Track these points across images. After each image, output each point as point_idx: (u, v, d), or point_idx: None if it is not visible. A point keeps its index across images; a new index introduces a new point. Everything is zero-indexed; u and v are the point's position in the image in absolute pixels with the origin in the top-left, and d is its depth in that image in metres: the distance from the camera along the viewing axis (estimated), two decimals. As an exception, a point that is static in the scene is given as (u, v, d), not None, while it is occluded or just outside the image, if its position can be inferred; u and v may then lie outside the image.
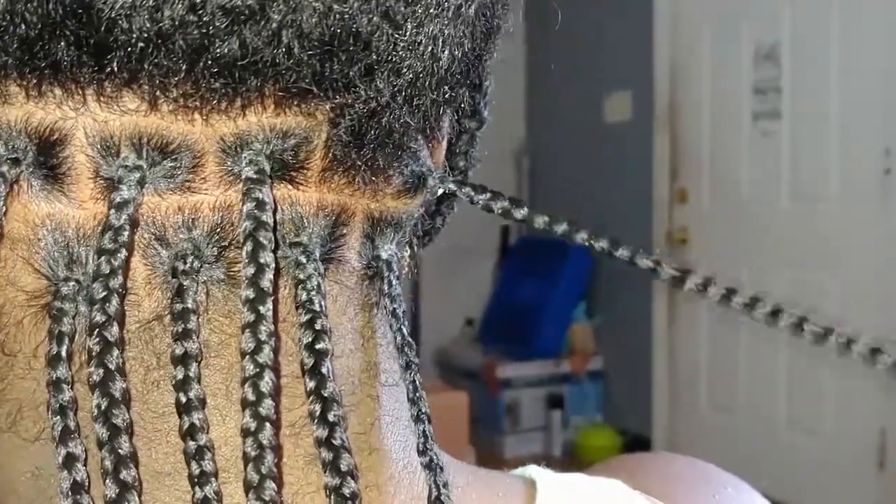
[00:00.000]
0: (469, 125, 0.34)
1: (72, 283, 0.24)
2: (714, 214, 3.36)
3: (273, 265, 0.24)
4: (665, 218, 3.52)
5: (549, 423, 3.76)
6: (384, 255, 0.28)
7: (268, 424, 0.23)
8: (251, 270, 0.24)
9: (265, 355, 0.23)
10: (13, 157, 0.24)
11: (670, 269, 0.31)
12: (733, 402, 3.29)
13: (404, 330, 0.29)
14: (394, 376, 0.29)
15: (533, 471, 0.34)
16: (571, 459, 3.63)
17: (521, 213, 0.30)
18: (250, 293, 0.24)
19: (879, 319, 2.70)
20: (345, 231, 0.27)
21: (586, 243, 0.31)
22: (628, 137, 3.65)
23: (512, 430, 3.75)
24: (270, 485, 0.23)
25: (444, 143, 0.31)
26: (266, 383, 0.23)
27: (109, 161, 0.24)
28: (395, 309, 0.29)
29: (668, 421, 3.57)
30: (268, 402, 0.23)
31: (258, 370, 0.23)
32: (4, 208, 0.24)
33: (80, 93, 0.23)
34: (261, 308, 0.24)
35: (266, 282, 0.24)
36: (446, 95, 0.27)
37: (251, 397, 0.23)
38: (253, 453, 0.23)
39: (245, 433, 0.23)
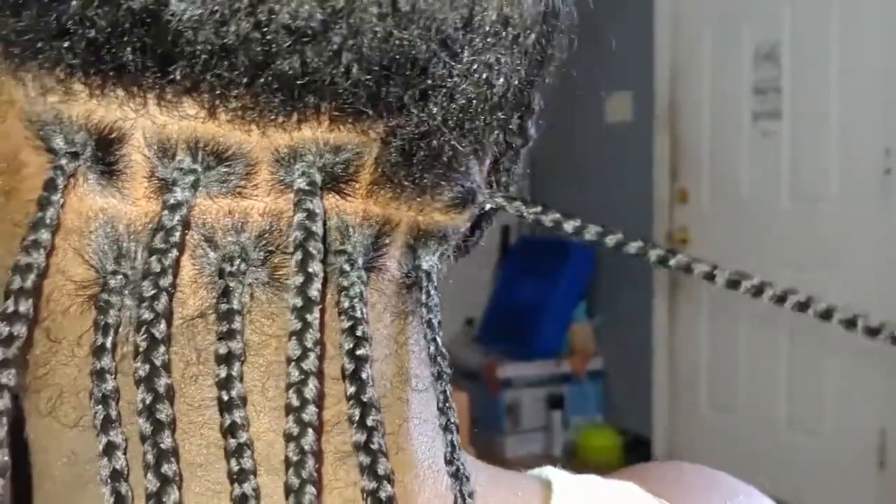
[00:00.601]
0: (516, 143, 0.35)
1: (119, 277, 0.25)
2: (714, 214, 3.36)
3: (321, 275, 0.25)
4: (665, 218, 3.52)
5: (550, 424, 3.76)
6: (424, 266, 0.29)
7: (310, 430, 0.23)
8: (300, 280, 0.24)
9: (310, 362, 0.24)
10: (72, 150, 0.24)
11: (681, 257, 0.32)
12: (733, 402, 3.29)
13: (438, 340, 0.30)
14: (424, 382, 0.30)
15: (549, 472, 0.35)
16: (572, 459, 3.63)
17: (571, 224, 0.31)
18: (298, 302, 0.24)
19: (880, 320, 2.70)
20: (387, 241, 0.27)
21: (637, 252, 0.32)
22: (629, 137, 3.65)
23: (512, 431, 3.75)
24: (310, 489, 0.23)
25: (489, 160, 0.32)
26: (310, 390, 0.24)
27: (165, 163, 0.24)
28: (430, 319, 0.29)
29: (668, 421, 3.57)
30: (311, 409, 0.24)
31: (303, 377, 0.24)
32: (62, 199, 0.24)
33: (142, 96, 0.24)
34: (308, 316, 0.24)
35: (314, 291, 0.24)
36: (499, 121, 0.28)
37: (295, 403, 0.24)
38: (295, 458, 0.23)
39: (288, 438, 0.23)
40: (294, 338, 0.24)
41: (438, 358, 0.30)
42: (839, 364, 2.90)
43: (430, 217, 0.28)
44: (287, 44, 0.23)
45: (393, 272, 0.28)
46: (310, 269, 0.24)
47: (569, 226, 0.31)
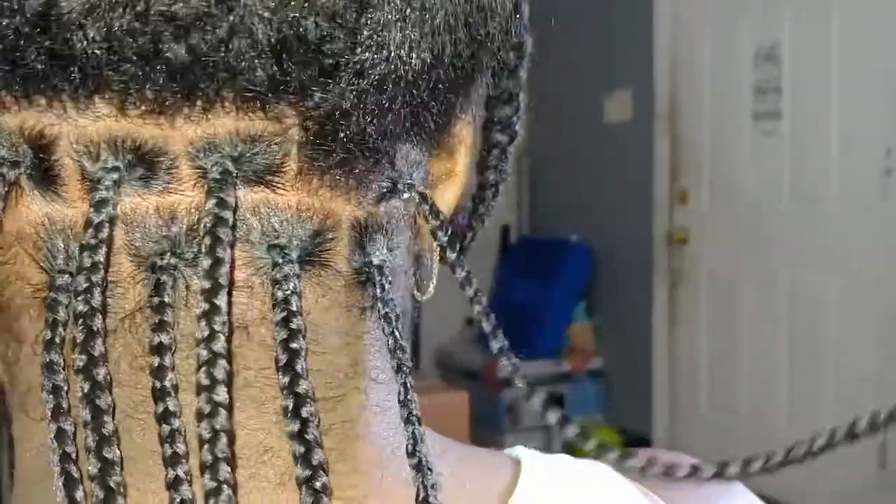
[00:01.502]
0: (500, 140, 0.35)
1: (66, 276, 0.26)
2: (714, 214, 3.36)
3: (230, 260, 0.25)
4: (665, 218, 3.52)
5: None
6: (376, 261, 0.29)
7: (221, 409, 0.24)
8: (207, 262, 0.25)
9: (220, 344, 0.25)
10: (13, 160, 0.26)
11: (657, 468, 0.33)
12: (733, 402, 3.29)
13: (397, 333, 0.30)
14: (384, 374, 0.30)
15: (519, 450, 0.36)
16: (571, 459, 3.63)
17: (453, 251, 0.31)
18: (206, 284, 0.25)
19: (880, 320, 2.70)
20: (330, 236, 0.28)
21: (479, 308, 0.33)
22: (628, 138, 3.65)
23: (512, 430, 3.75)
24: (224, 467, 0.24)
25: (463, 155, 0.32)
26: (220, 371, 0.24)
27: (91, 163, 0.26)
28: (387, 313, 0.30)
29: (668, 421, 3.57)
30: (221, 389, 0.24)
31: (211, 356, 0.25)
32: (3, 205, 0.26)
33: (59, 100, 0.25)
34: (215, 299, 0.25)
35: (222, 274, 0.25)
36: (426, 103, 0.28)
37: (205, 382, 0.25)
38: (207, 436, 0.24)
39: (199, 416, 0.24)
40: (202, 319, 0.25)
41: (398, 351, 0.30)
42: (839, 364, 2.90)
43: (367, 210, 0.29)
44: (169, 31, 0.23)
45: (338, 267, 0.28)
46: (218, 254, 0.25)
47: (451, 256, 0.31)
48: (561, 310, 3.84)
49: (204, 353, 0.25)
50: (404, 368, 0.30)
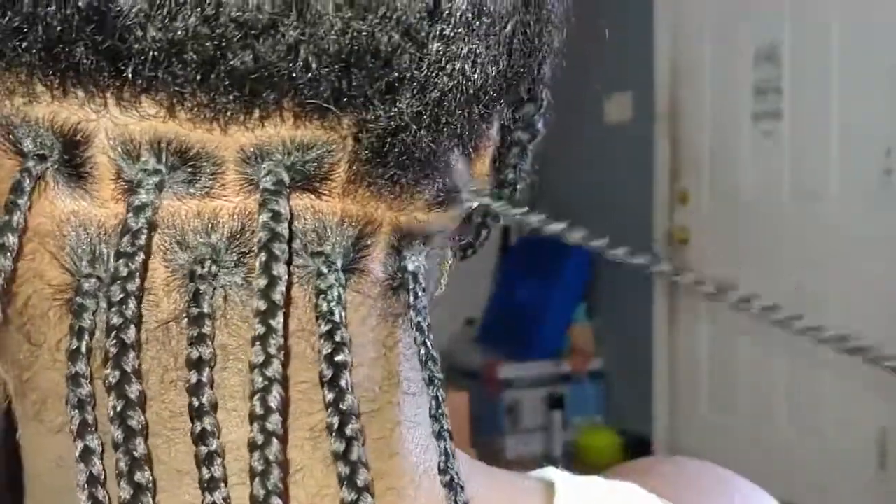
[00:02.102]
0: (521, 137, 0.34)
1: (93, 280, 0.25)
2: (714, 215, 3.36)
3: (286, 277, 0.24)
4: (665, 218, 3.52)
5: (550, 424, 3.76)
6: (410, 267, 0.28)
7: (274, 439, 0.23)
8: (263, 282, 0.24)
9: (274, 369, 0.23)
10: (40, 153, 0.24)
11: (689, 276, 0.31)
12: (733, 402, 3.29)
13: (429, 343, 0.29)
14: (416, 386, 0.29)
15: (551, 473, 0.34)
16: (572, 460, 3.63)
17: (557, 227, 0.30)
18: (262, 305, 0.23)
19: (880, 320, 2.70)
20: (369, 242, 0.26)
21: (624, 260, 0.31)
22: (629, 138, 3.65)
23: (512, 431, 3.75)
24: (276, 501, 0.22)
25: (489, 155, 0.31)
26: (274, 398, 0.23)
27: (130, 164, 0.24)
28: (419, 322, 0.28)
29: (668, 421, 3.57)
30: (275, 417, 0.23)
31: (266, 384, 0.23)
32: (29, 202, 0.24)
33: (101, 96, 0.23)
34: (271, 321, 0.23)
35: (278, 294, 0.23)
36: (480, 113, 0.27)
37: (259, 411, 0.23)
38: (259, 468, 0.23)
39: (252, 447, 0.23)
40: (257, 343, 0.23)
41: (429, 362, 0.29)
42: (839, 364, 2.89)
43: (412, 217, 0.27)
44: (237, 38, 0.22)
45: (377, 274, 0.27)
46: (274, 272, 0.23)
47: (554, 228, 0.30)
48: (561, 311, 3.84)
49: (259, 380, 0.23)
50: (436, 380, 0.29)
